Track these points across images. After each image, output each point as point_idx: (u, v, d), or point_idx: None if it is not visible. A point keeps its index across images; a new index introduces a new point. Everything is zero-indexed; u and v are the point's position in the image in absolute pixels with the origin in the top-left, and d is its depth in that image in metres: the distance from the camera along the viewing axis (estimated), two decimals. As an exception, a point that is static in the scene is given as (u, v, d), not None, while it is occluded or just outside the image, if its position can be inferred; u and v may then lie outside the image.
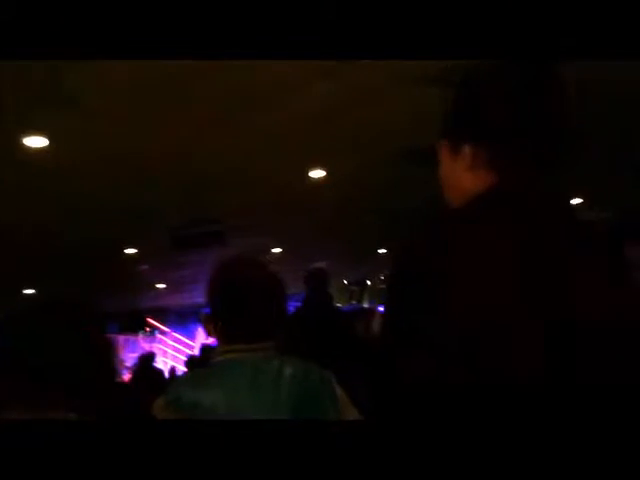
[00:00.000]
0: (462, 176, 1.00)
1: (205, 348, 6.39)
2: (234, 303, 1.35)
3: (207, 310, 1.42)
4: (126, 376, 7.46)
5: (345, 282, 11.53)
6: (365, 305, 11.17)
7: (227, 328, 1.37)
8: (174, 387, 1.36)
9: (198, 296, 12.28)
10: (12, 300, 7.92)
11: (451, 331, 0.88)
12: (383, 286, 11.11)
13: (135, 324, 12.22)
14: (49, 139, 3.78)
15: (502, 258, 0.90)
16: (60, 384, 1.10)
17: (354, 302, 11.41)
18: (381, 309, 10.62)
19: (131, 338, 12.93)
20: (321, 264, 5.80)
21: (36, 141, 3.79)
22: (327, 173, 5.03)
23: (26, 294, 8.87)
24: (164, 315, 13.96)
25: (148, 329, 13.68)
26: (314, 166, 4.87)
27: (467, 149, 0.98)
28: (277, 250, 8.04)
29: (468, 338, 0.87)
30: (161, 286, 10.52)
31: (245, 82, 3.20)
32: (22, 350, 1.10)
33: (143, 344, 13.26)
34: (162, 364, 11.19)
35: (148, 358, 6.99)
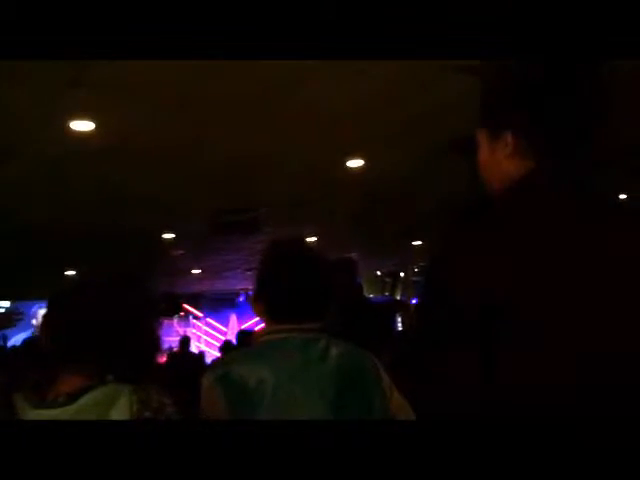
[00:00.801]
0: (501, 163, 1.01)
1: (242, 333, 6.48)
2: (283, 283, 1.39)
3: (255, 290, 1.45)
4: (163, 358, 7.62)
5: (378, 273, 11.52)
6: (398, 297, 11.14)
7: (275, 308, 1.40)
8: (223, 363, 1.40)
9: (232, 283, 12.43)
10: (57, 280, 8.14)
11: (488, 324, 0.89)
12: (416, 278, 11.06)
13: (171, 308, 12.44)
14: (95, 123, 3.88)
15: (543, 249, 0.90)
16: (110, 349, 1.15)
17: (387, 294, 11.39)
18: (414, 302, 10.59)
19: (167, 322, 13.17)
20: (352, 254, 5.80)
21: (83, 125, 3.88)
22: (365, 162, 5.03)
23: (68, 275, 9.11)
24: (198, 300, 14.17)
25: (183, 313, 13.91)
26: (353, 155, 4.87)
27: (508, 137, 0.99)
28: (312, 239, 8.08)
29: (510, 329, 0.88)
30: (196, 272, 10.68)
31: (283, 68, 3.21)
32: (80, 317, 1.15)
33: (178, 328, 13.50)
34: (195, 349, 11.37)
35: (185, 341, 7.15)
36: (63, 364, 1.16)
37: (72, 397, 1.10)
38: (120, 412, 1.09)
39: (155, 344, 1.25)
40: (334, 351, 1.34)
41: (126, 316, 1.19)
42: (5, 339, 5.24)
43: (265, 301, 1.41)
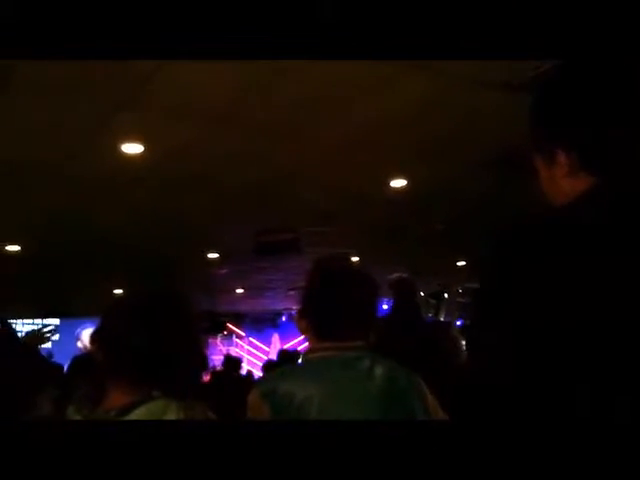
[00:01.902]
0: (560, 183, 1.00)
1: (283, 353, 6.49)
2: (329, 301, 1.39)
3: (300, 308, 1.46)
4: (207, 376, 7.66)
5: (422, 294, 11.39)
6: (442, 318, 10.97)
7: (321, 325, 1.41)
8: (269, 380, 1.41)
9: (275, 302, 12.49)
10: (104, 298, 8.33)
11: (543, 346, 0.87)
12: (461, 300, 10.88)
13: (214, 327, 12.58)
14: (144, 145, 3.99)
15: (601, 265, 0.88)
16: (159, 366, 1.17)
17: (430, 315, 11.23)
18: (458, 323, 10.39)
19: (210, 340, 13.30)
20: (402, 274, 5.76)
21: (132, 147, 4.00)
22: (408, 182, 5.01)
23: (116, 294, 9.32)
24: (241, 320, 14.28)
25: (226, 332, 14.03)
26: (395, 175, 4.87)
27: (562, 157, 0.98)
28: (355, 259, 8.07)
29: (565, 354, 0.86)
30: (240, 291, 10.78)
31: (323, 88, 3.26)
32: (130, 333, 1.18)
33: (221, 347, 13.61)
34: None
35: (235, 362, 7.16)
36: (113, 379, 1.19)
37: (122, 411, 1.12)
38: (168, 427, 1.11)
39: (201, 362, 1.27)
40: (379, 370, 1.34)
41: (174, 334, 1.21)
42: (51, 356, 5.38)
43: (311, 319, 1.42)
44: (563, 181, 0.99)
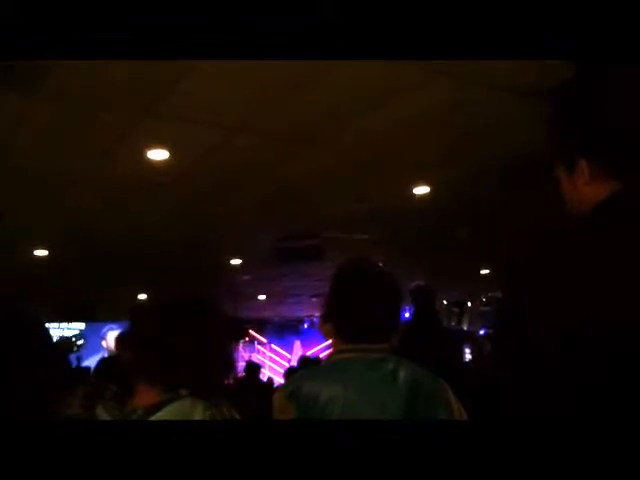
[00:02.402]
0: (581, 190, 1.00)
1: (304, 359, 6.50)
2: (353, 304, 1.40)
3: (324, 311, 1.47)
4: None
5: (444, 303, 11.32)
6: (465, 327, 10.88)
7: (345, 328, 1.41)
8: (295, 380, 1.43)
9: (297, 309, 12.52)
10: (127, 303, 8.45)
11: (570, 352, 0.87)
12: (484, 308, 10.79)
13: (237, 333, 12.63)
14: (169, 151, 4.05)
15: (622, 271, 0.88)
16: (186, 366, 1.19)
17: (453, 324, 11.15)
18: (482, 332, 10.26)
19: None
20: (421, 282, 5.74)
21: (158, 154, 4.06)
22: (431, 189, 5.00)
23: (140, 299, 9.43)
24: (263, 326, 14.32)
25: (247, 339, 14.08)
26: (419, 182, 4.87)
27: (583, 165, 0.98)
28: (377, 266, 8.05)
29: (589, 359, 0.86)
30: (262, 297, 10.82)
31: (345, 95, 3.27)
32: (159, 334, 1.20)
33: (243, 353, 13.66)
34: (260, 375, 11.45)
35: (255, 368, 7.19)
36: (141, 378, 1.21)
37: (149, 410, 1.14)
38: (194, 427, 1.13)
39: (228, 363, 1.29)
40: (403, 372, 1.35)
41: (201, 335, 1.23)
42: (79, 360, 5.47)
43: (335, 321, 1.43)
44: (584, 188, 0.99)
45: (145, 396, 1.18)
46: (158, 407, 1.15)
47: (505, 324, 0.99)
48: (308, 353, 11.81)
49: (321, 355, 10.13)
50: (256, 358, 13.21)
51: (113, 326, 10.08)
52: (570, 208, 1.06)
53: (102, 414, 1.16)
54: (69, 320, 11.27)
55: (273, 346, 14.59)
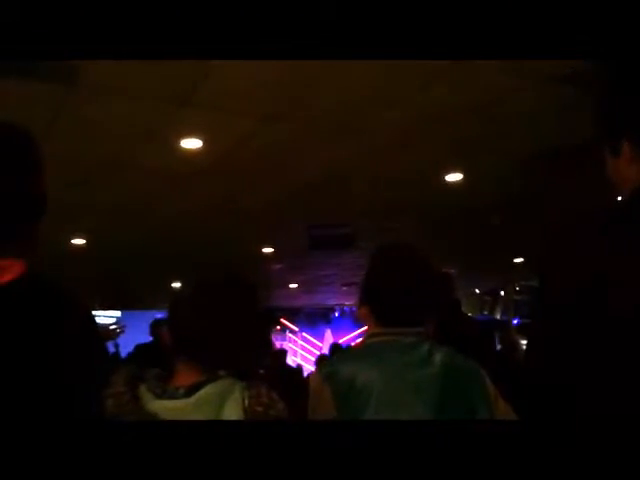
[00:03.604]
0: (625, 172, 1.02)
1: (335, 347, 6.54)
2: (391, 287, 1.41)
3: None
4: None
5: (477, 291, 11.22)
6: (497, 316, 10.78)
7: (381, 311, 1.43)
8: (331, 362, 1.45)
9: (328, 297, 12.56)
10: (165, 291, 8.60)
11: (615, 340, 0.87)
12: (517, 297, 10.66)
13: (270, 320, 12.75)
14: (203, 141, 4.10)
15: None
16: (224, 347, 1.22)
17: (486, 313, 11.06)
18: (515, 322, 10.12)
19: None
20: (449, 270, 5.71)
21: (192, 143, 4.11)
22: (464, 176, 4.96)
23: (174, 287, 9.58)
24: (294, 315, 14.41)
25: (279, 327, 14.19)
26: (451, 169, 4.83)
27: (626, 147, 1.00)
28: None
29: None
30: (293, 286, 10.89)
31: (377, 81, 3.25)
32: (197, 317, 1.24)
33: (275, 341, 13.78)
34: (291, 362, 11.55)
35: (281, 354, 7.25)
36: (181, 359, 1.24)
37: (191, 390, 1.18)
38: (233, 405, 1.16)
39: (264, 344, 1.32)
40: (438, 356, 1.36)
41: (240, 317, 1.26)
42: (117, 347, 5.60)
43: (372, 304, 1.44)
44: (627, 170, 1.01)
45: (185, 376, 1.22)
46: (198, 386, 1.18)
47: (545, 309, 1.00)
48: (339, 341, 11.85)
49: (352, 344, 10.15)
50: (287, 346, 13.31)
51: (158, 314, 10.28)
52: (616, 187, 1.07)
53: (145, 393, 1.20)
54: (107, 308, 11.53)
55: (304, 334, 14.68)
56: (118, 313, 12.06)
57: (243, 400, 1.17)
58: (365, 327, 1.52)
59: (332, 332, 14.30)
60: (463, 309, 4.04)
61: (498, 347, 5.98)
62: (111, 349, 5.70)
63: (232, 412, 1.15)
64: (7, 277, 1.05)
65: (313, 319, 14.64)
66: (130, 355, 4.90)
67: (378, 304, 1.43)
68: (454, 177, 4.97)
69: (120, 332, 4.00)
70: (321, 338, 14.53)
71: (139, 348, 5.01)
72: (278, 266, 8.70)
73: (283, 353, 7.42)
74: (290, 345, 14.10)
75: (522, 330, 8.06)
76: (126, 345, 5.40)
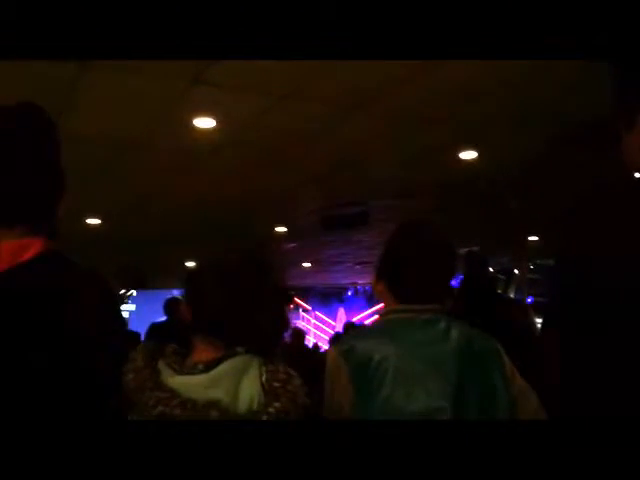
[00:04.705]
0: (638, 148, 1.01)
1: (349, 325, 6.57)
2: (407, 263, 1.41)
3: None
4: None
5: (491, 270, 11.17)
6: (511, 295, 10.74)
7: (398, 288, 1.43)
8: (348, 339, 1.46)
9: (341, 277, 12.58)
10: (179, 271, 8.64)
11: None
12: (532, 276, 10.61)
13: (286, 297, 12.81)
14: (216, 120, 4.09)
15: None
16: (242, 324, 1.23)
17: (500, 291, 11.01)
18: (529, 300, 10.08)
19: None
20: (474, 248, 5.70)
21: (205, 122, 4.11)
22: (479, 154, 4.91)
23: (188, 266, 9.64)
24: (307, 294, 14.48)
25: (292, 306, 14.27)
26: (466, 147, 4.78)
27: (639, 121, 1.00)
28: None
29: None
30: (306, 265, 10.92)
31: (393, 60, 3.21)
32: (215, 293, 1.25)
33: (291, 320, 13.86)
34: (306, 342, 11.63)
35: (301, 334, 7.30)
36: (199, 336, 1.26)
37: (209, 365, 1.19)
38: (251, 381, 1.17)
39: (283, 322, 1.32)
40: (455, 332, 1.35)
41: (255, 294, 1.26)
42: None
43: (389, 281, 1.44)
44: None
45: (204, 352, 1.23)
46: (217, 362, 1.19)
47: (562, 288, 1.00)
48: (353, 320, 11.90)
49: (366, 322, 10.18)
50: (301, 325, 13.40)
51: (175, 291, 10.35)
52: (627, 165, 1.07)
53: (164, 368, 1.21)
54: (122, 288, 11.65)
55: (317, 313, 14.76)
56: (133, 292, 12.19)
57: (260, 375, 1.18)
58: (381, 304, 1.52)
59: (345, 311, 14.36)
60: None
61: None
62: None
63: (250, 387, 1.16)
64: (28, 255, 1.07)
65: (326, 298, 14.70)
66: (146, 334, 4.96)
67: (396, 280, 1.43)
68: (469, 155, 4.93)
69: (127, 299, 4.03)
70: (334, 317, 14.61)
71: (154, 327, 5.06)
72: (291, 245, 8.72)
73: (302, 333, 7.47)
74: (303, 324, 14.20)
75: (536, 309, 8.03)
76: (140, 325, 5.47)
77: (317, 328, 14.66)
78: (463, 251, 3.60)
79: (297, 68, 3.30)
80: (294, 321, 13.63)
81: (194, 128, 4.20)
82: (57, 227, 1.16)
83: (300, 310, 14.65)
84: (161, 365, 1.21)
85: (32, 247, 1.08)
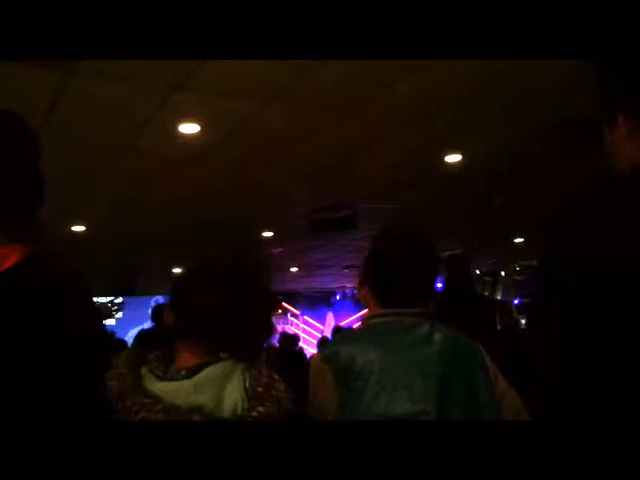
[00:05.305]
0: (620, 146, 1.02)
1: (337, 330, 6.57)
2: (390, 268, 1.42)
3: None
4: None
5: (477, 272, 11.23)
6: (498, 297, 10.80)
7: (382, 292, 1.43)
8: (332, 344, 1.46)
9: (329, 281, 12.58)
10: (166, 277, 8.60)
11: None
12: (518, 277, 10.68)
13: (273, 303, 12.78)
14: (201, 126, 4.07)
15: None
16: (226, 329, 1.23)
17: (486, 293, 11.08)
18: (516, 302, 10.16)
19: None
20: (456, 251, 5.74)
21: (191, 128, 4.09)
22: (463, 157, 4.94)
23: (175, 273, 9.59)
24: (296, 298, 14.45)
25: (280, 311, 14.24)
26: (450, 150, 4.81)
27: (620, 119, 1.00)
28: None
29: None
30: (294, 269, 10.90)
31: (377, 62, 3.22)
32: (199, 298, 1.24)
33: (276, 325, 13.82)
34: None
35: (292, 339, 7.28)
36: (183, 341, 1.25)
37: (192, 371, 1.19)
38: (234, 386, 1.17)
39: (267, 326, 1.32)
40: (438, 335, 1.36)
41: (241, 299, 1.26)
42: (113, 334, 5.63)
43: (373, 285, 1.44)
44: (623, 145, 1.01)
45: (187, 358, 1.23)
46: (200, 368, 1.19)
47: (548, 287, 1.00)
48: (340, 324, 11.90)
49: (354, 326, 10.18)
50: (289, 330, 13.36)
51: (160, 298, 10.28)
52: (611, 161, 1.08)
53: (147, 375, 1.21)
54: (107, 295, 11.56)
55: (306, 317, 14.73)
56: (119, 299, 12.09)
57: (244, 381, 1.18)
58: (366, 309, 1.52)
59: (334, 315, 14.35)
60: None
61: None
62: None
63: (233, 393, 1.16)
64: (7, 264, 1.06)
65: (314, 302, 14.68)
66: (133, 341, 4.93)
67: (379, 285, 1.43)
68: (453, 158, 4.96)
69: (117, 309, 4.01)
70: (323, 321, 14.58)
71: (142, 334, 5.03)
72: (278, 250, 8.70)
73: (295, 338, 7.44)
74: (292, 328, 14.16)
75: (522, 310, 8.09)
76: (127, 331, 5.42)
77: (306, 332, 14.63)
78: (447, 254, 3.63)
79: (280, 71, 3.30)
80: (283, 326, 13.60)
81: (178, 134, 4.18)
82: (42, 233, 1.15)
83: (289, 315, 14.62)
84: (144, 371, 1.21)
85: (11, 256, 1.07)
